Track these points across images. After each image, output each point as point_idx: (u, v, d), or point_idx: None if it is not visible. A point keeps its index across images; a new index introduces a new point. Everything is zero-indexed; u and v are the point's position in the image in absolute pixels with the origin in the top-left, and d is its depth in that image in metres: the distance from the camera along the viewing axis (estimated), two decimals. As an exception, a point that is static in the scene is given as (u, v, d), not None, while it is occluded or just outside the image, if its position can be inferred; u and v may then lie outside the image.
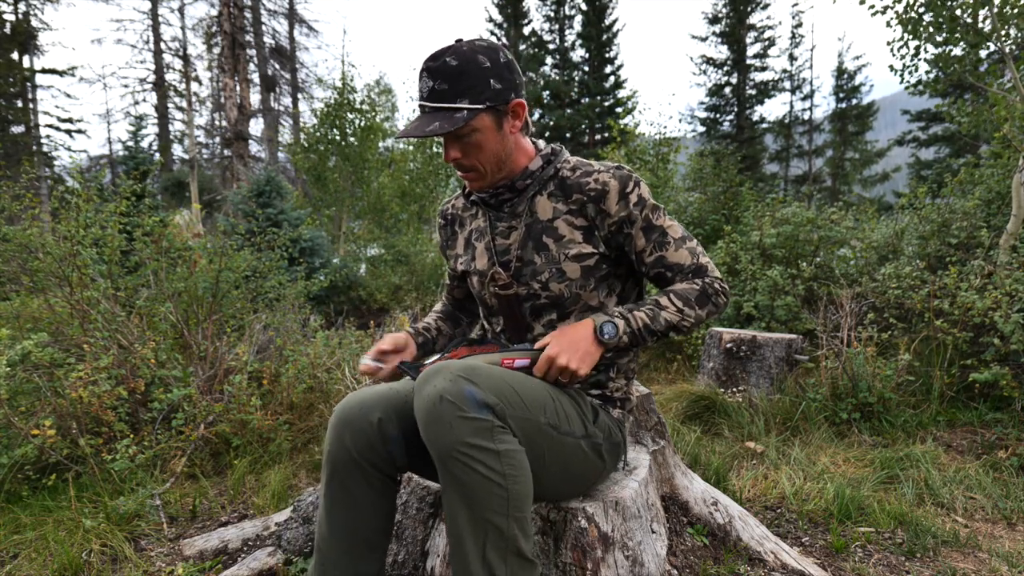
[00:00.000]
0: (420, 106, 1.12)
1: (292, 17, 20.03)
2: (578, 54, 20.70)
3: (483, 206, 1.28)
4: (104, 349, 2.45)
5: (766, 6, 20.01)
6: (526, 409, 1.00)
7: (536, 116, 20.28)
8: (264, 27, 18.87)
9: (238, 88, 12.29)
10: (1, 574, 1.57)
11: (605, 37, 20.15)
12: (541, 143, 1.27)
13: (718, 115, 21.08)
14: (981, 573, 1.61)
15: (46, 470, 2.09)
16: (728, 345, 3.40)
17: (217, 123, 21.99)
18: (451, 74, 1.07)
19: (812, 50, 20.46)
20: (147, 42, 20.34)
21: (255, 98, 18.79)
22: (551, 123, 20.08)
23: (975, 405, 2.94)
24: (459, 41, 1.11)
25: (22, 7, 17.07)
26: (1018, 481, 2.19)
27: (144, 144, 13.49)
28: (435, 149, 12.59)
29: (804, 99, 20.62)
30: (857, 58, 19.49)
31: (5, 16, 16.60)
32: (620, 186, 1.17)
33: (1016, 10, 3.97)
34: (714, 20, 20.54)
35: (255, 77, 18.88)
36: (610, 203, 1.17)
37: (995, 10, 3.97)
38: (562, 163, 1.24)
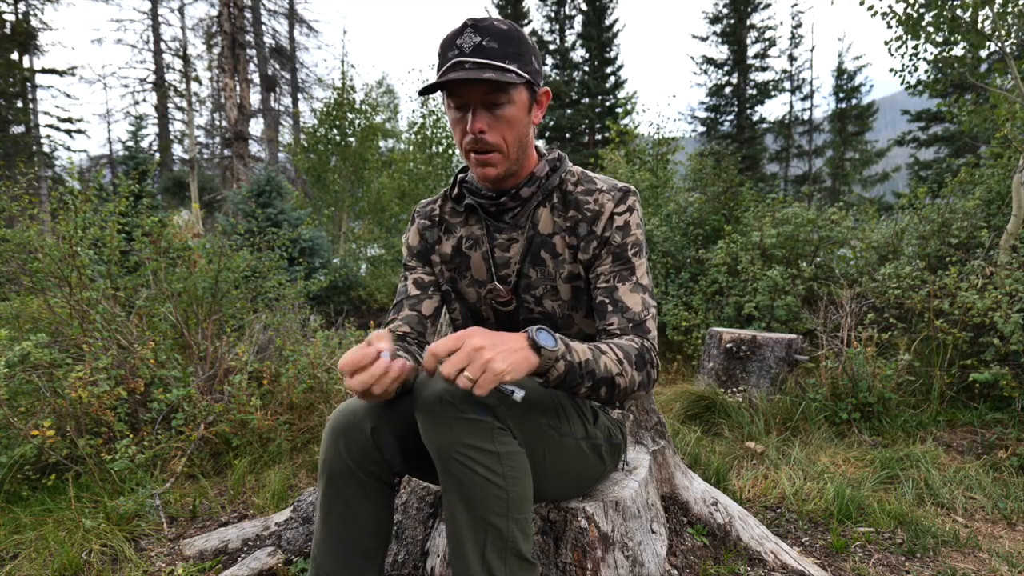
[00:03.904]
0: (458, 62, 1.02)
1: (292, 17, 20.04)
2: (578, 54, 20.71)
3: (482, 213, 1.20)
4: (104, 349, 2.45)
5: (766, 6, 20.03)
6: (527, 410, 0.99)
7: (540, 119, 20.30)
8: (264, 27, 18.88)
9: (238, 88, 12.29)
10: (1, 574, 1.57)
11: (605, 37, 20.16)
12: (542, 147, 1.23)
13: (718, 115, 21.09)
14: (981, 573, 1.60)
15: (46, 470, 2.09)
16: (728, 345, 3.40)
17: (217, 123, 22.00)
18: (501, 35, 1.02)
19: (812, 50, 20.50)
20: (147, 42, 20.36)
21: (255, 98, 18.81)
22: (551, 123, 20.08)
23: (975, 405, 2.94)
24: None
25: (22, 7, 17.09)
26: (1018, 481, 2.19)
27: (144, 144, 13.50)
28: (435, 149, 12.59)
29: (804, 99, 20.63)
30: (857, 58, 19.51)
31: (5, 16, 16.61)
32: (613, 206, 1.14)
33: (1016, 10, 3.97)
34: (714, 20, 20.55)
35: (255, 77, 18.90)
36: (600, 224, 1.14)
37: (996, 9, 3.97)
38: (567, 173, 1.20)
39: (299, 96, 20.88)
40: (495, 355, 0.82)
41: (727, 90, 20.86)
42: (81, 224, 2.63)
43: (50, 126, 18.27)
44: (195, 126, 18.58)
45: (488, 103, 1.04)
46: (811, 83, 20.48)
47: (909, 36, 4.44)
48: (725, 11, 20.35)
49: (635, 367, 1.01)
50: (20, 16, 16.96)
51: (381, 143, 14.67)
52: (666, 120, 31.81)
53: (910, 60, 4.59)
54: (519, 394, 0.84)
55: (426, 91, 1.04)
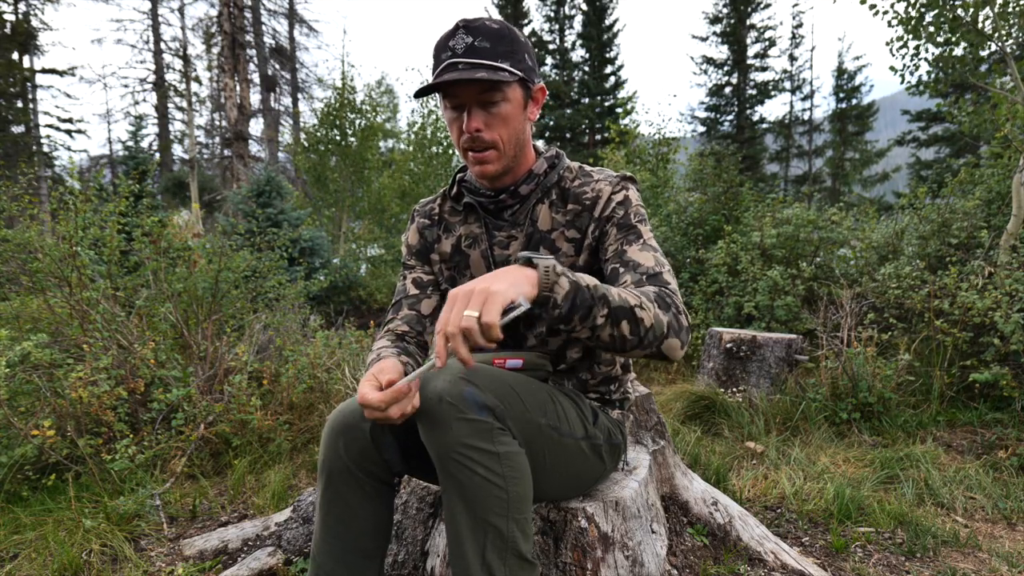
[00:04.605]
0: (451, 63, 1.03)
1: (292, 17, 20.05)
2: (578, 54, 20.70)
3: (481, 211, 1.22)
4: (104, 349, 2.45)
5: (766, 6, 20.03)
6: (526, 410, 0.99)
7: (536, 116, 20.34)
8: (264, 27, 18.89)
9: (238, 88, 12.28)
10: (1, 574, 1.57)
11: (605, 37, 20.15)
12: (541, 145, 1.24)
13: (718, 115, 21.09)
14: (981, 573, 1.60)
15: (46, 470, 2.09)
16: (728, 345, 3.40)
17: (217, 123, 22.01)
18: (493, 34, 1.04)
19: (812, 50, 20.50)
20: (147, 42, 20.38)
21: (255, 98, 18.82)
22: (551, 123, 20.07)
23: (975, 405, 2.94)
24: None
25: (22, 7, 17.09)
26: (1018, 481, 2.19)
27: (144, 144, 13.51)
28: (435, 149, 12.58)
29: (804, 99, 20.63)
30: (857, 58, 19.51)
31: (5, 16, 16.62)
32: (610, 189, 1.15)
33: (1017, 9, 3.97)
34: (714, 20, 20.55)
35: (255, 77, 18.91)
36: (599, 208, 1.15)
37: (996, 9, 3.97)
38: (565, 170, 1.21)
39: (299, 96, 20.90)
40: (489, 283, 0.80)
41: (727, 90, 20.85)
42: (81, 224, 2.63)
43: (50, 126, 18.28)
44: (195, 126, 18.58)
45: (483, 102, 1.06)
46: (811, 83, 20.49)
47: (910, 36, 4.44)
48: (725, 11, 20.35)
49: (657, 305, 0.94)
50: (20, 16, 16.97)
51: (381, 143, 14.67)
52: (666, 120, 31.82)
53: (911, 61, 4.59)
54: (523, 303, 0.80)
55: (421, 93, 1.05)
